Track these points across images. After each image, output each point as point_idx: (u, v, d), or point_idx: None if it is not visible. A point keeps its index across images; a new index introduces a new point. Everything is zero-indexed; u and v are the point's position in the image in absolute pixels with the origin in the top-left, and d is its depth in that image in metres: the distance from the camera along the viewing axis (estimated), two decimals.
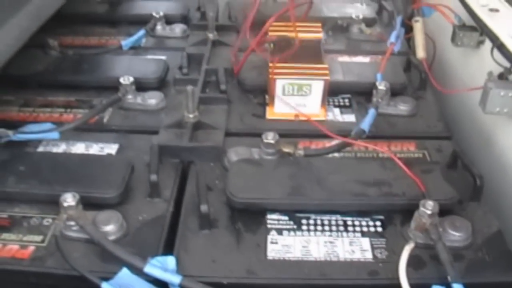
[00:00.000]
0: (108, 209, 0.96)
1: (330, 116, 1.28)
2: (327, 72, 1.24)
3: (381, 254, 0.92)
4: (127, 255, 0.86)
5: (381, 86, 1.27)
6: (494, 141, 1.24)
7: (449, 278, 0.83)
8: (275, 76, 1.23)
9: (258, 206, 0.99)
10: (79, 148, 1.16)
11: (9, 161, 1.06)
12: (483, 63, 1.27)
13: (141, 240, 0.94)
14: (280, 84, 1.23)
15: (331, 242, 0.94)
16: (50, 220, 0.97)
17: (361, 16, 1.65)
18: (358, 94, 1.35)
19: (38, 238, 0.94)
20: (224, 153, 1.12)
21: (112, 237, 0.92)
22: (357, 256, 0.92)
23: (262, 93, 1.31)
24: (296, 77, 1.23)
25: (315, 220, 0.98)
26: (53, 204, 0.93)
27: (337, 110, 1.30)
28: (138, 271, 0.84)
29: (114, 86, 1.29)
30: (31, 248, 0.92)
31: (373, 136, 1.19)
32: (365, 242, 0.94)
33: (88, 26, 1.70)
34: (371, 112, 1.22)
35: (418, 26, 1.49)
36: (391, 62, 1.40)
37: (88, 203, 0.94)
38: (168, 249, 0.93)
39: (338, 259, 0.91)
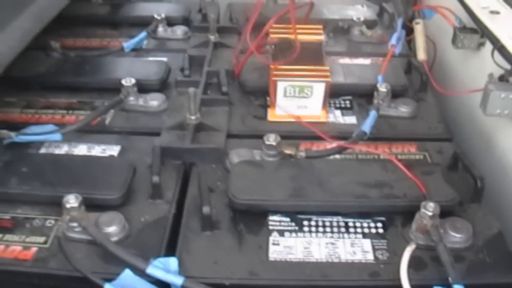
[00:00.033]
0: (110, 211, 0.96)
1: (331, 118, 1.29)
2: (328, 74, 1.25)
3: (382, 255, 0.92)
4: (129, 256, 0.86)
5: (382, 88, 1.27)
6: (494, 143, 1.25)
7: (450, 279, 0.84)
8: (277, 78, 1.24)
9: (259, 207, 0.99)
10: (81, 149, 1.16)
11: (11, 162, 1.07)
12: (483, 65, 1.27)
13: (143, 241, 0.94)
14: (281, 86, 1.24)
15: (332, 244, 0.94)
16: (53, 222, 0.97)
17: (362, 18, 1.65)
18: (359, 96, 1.35)
19: (41, 239, 0.94)
20: (226, 154, 1.12)
21: (114, 239, 0.92)
22: (359, 257, 0.92)
23: (264, 95, 1.31)
24: (297, 79, 1.24)
25: (316, 221, 0.98)
26: (56, 205, 0.94)
27: (338, 112, 1.31)
28: (140, 272, 0.85)
29: (115, 88, 1.29)
30: (34, 249, 0.92)
31: (374, 138, 1.20)
32: (367, 243, 0.95)
33: (90, 28, 1.70)
34: (372, 114, 1.23)
35: (419, 28, 1.49)
36: (392, 64, 1.40)
37: (90, 205, 0.94)
38: (170, 251, 0.93)
39: (340, 260, 0.91)
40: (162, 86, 1.37)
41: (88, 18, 1.75)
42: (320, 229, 0.97)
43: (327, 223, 0.98)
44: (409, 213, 0.95)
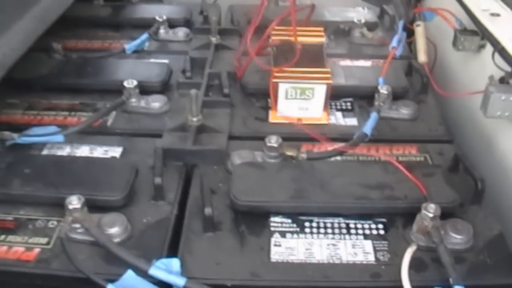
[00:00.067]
0: (112, 212, 0.96)
1: (332, 120, 1.29)
2: (329, 76, 1.25)
3: (384, 256, 0.93)
4: (132, 257, 0.87)
5: (383, 90, 1.28)
6: (495, 145, 1.25)
7: (450, 280, 0.84)
8: (278, 80, 1.24)
9: (261, 209, 1.00)
10: (83, 151, 1.17)
11: (14, 163, 1.07)
12: (484, 67, 1.28)
13: (145, 242, 0.94)
14: (283, 88, 1.24)
15: (334, 245, 0.95)
16: (55, 223, 0.98)
17: (363, 20, 1.66)
18: (360, 98, 1.35)
19: (43, 240, 0.94)
20: (228, 156, 1.13)
21: (117, 240, 0.93)
22: (360, 258, 0.92)
23: (265, 97, 1.32)
24: (299, 81, 1.24)
25: (318, 223, 0.99)
26: (58, 206, 0.94)
27: (339, 114, 1.31)
28: (143, 273, 0.85)
29: (117, 90, 1.29)
30: (37, 250, 0.92)
31: (375, 139, 1.20)
32: (368, 244, 0.95)
33: (92, 30, 1.71)
34: (373, 115, 1.23)
35: (419, 30, 1.50)
36: (392, 66, 1.41)
37: (93, 206, 0.95)
38: (172, 252, 0.94)
39: (341, 261, 0.92)
40: (164, 88, 1.37)
41: (90, 20, 1.76)
42: (322, 230, 0.97)
43: (329, 225, 0.99)
44: (410, 214, 0.95)
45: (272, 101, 1.27)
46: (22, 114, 1.29)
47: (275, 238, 0.96)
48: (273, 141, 1.10)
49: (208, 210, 0.95)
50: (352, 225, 0.98)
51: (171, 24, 1.68)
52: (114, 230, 0.93)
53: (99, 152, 1.17)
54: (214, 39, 1.57)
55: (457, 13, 1.40)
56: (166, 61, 1.50)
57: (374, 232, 0.98)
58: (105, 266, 0.89)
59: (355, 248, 0.94)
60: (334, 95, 1.30)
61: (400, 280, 0.86)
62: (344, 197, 1.01)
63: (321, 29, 1.40)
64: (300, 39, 1.33)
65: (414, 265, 0.89)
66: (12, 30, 1.14)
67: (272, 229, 0.98)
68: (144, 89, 1.32)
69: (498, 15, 1.28)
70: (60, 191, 0.99)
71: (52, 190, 1.01)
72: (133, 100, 1.29)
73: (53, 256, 0.91)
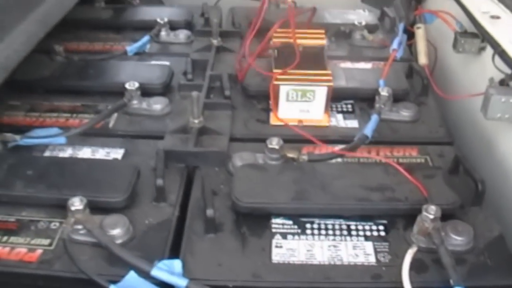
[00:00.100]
0: (115, 213, 0.97)
1: (333, 122, 1.29)
2: (330, 78, 1.26)
3: (384, 258, 0.93)
4: (134, 258, 0.87)
5: (384, 92, 1.28)
6: (495, 147, 1.25)
7: (451, 281, 0.84)
8: (279, 82, 1.25)
9: (263, 210, 1.00)
10: (85, 152, 1.17)
11: (16, 165, 1.08)
12: (484, 69, 1.28)
13: (147, 243, 0.95)
14: (284, 90, 1.25)
15: (335, 246, 0.95)
16: (57, 224, 0.98)
17: (363, 23, 1.66)
18: (361, 100, 1.36)
19: (46, 241, 0.95)
20: (229, 158, 1.13)
21: (119, 241, 0.93)
22: (361, 260, 0.93)
23: (266, 99, 1.32)
24: (300, 83, 1.25)
25: (319, 224, 0.99)
26: (60, 208, 0.95)
27: (340, 116, 1.32)
28: (145, 274, 0.86)
29: (119, 92, 1.30)
30: (39, 251, 0.93)
31: (376, 141, 1.20)
32: (369, 246, 0.95)
33: (93, 32, 1.71)
34: (374, 118, 1.23)
35: (420, 33, 1.50)
36: (393, 68, 1.41)
37: (95, 207, 0.95)
38: (174, 253, 0.94)
39: (342, 262, 0.92)
40: (165, 90, 1.38)
41: (92, 22, 1.76)
42: (323, 231, 0.98)
43: (330, 226, 0.99)
44: (410, 216, 0.96)
45: (273, 103, 1.28)
46: (24, 116, 1.29)
47: (277, 239, 0.96)
48: (274, 143, 1.11)
49: (210, 212, 0.96)
50: (353, 227, 0.99)
51: (173, 26, 1.69)
52: (116, 232, 0.94)
53: (101, 153, 1.17)
54: (215, 41, 1.57)
55: (457, 16, 1.41)
56: (167, 63, 1.50)
57: (375, 233, 0.98)
58: (107, 267, 0.90)
59: (356, 250, 0.95)
60: (335, 97, 1.30)
61: (400, 281, 0.86)
62: (345, 198, 1.01)
63: (322, 31, 1.40)
64: (301, 41, 1.34)
65: (415, 266, 0.90)
66: (14, 32, 1.14)
67: (274, 230, 0.98)
68: (146, 91, 1.32)
69: (498, 17, 1.29)
70: (62, 192, 0.99)
71: (54, 192, 1.01)
72: (135, 102, 1.30)
73: (55, 257, 0.92)
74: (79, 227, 0.93)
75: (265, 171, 1.07)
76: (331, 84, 1.25)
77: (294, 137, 1.20)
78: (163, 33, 1.66)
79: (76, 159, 1.15)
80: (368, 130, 1.19)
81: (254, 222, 0.99)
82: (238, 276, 0.90)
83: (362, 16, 1.77)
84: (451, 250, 0.90)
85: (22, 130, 1.19)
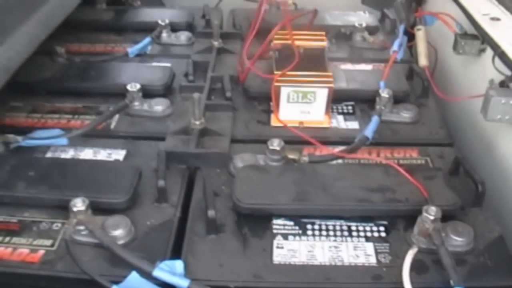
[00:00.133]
0: (116, 214, 0.97)
1: (334, 123, 1.30)
2: (331, 79, 1.26)
3: (385, 258, 0.93)
4: (136, 259, 0.88)
5: (384, 93, 1.29)
6: (495, 148, 1.26)
7: (451, 282, 0.85)
8: (280, 84, 1.25)
9: (264, 211, 1.01)
10: (87, 154, 1.18)
11: (18, 166, 1.08)
12: (484, 71, 1.29)
13: (149, 244, 0.95)
14: (285, 91, 1.25)
15: (335, 247, 0.96)
16: (59, 225, 0.98)
17: (364, 24, 1.67)
18: (361, 102, 1.36)
19: (48, 242, 0.95)
20: (230, 159, 1.14)
21: (120, 242, 0.93)
22: (361, 260, 0.93)
23: (267, 100, 1.33)
24: (300, 85, 1.25)
25: (320, 225, 0.99)
26: (62, 209, 0.95)
27: (340, 117, 1.32)
28: (147, 275, 0.86)
29: (120, 93, 1.30)
30: (41, 252, 0.93)
31: (376, 143, 1.21)
32: (369, 247, 0.96)
33: (94, 34, 1.72)
34: (374, 119, 1.24)
35: (420, 34, 1.51)
36: (393, 70, 1.42)
37: (96, 208, 0.96)
38: (175, 254, 0.94)
39: (343, 263, 0.93)
40: (167, 91, 1.38)
41: (93, 24, 1.77)
42: (324, 232, 0.98)
43: (330, 227, 0.99)
44: (411, 217, 0.96)
45: (274, 104, 1.28)
46: (26, 117, 1.30)
47: (278, 240, 0.97)
48: (275, 144, 1.11)
49: (211, 213, 0.96)
50: (353, 228, 0.99)
51: (174, 28, 1.69)
52: (118, 232, 0.94)
53: (102, 155, 1.17)
54: (216, 43, 1.58)
55: (457, 18, 1.41)
56: (168, 64, 1.51)
57: (376, 234, 0.98)
58: (110, 268, 0.90)
59: (356, 250, 0.95)
60: (336, 99, 1.31)
61: (401, 282, 0.87)
62: (345, 199, 1.02)
63: (323, 33, 1.40)
64: (302, 43, 1.34)
65: (415, 267, 0.90)
66: (16, 34, 1.15)
67: (275, 231, 0.98)
68: (147, 93, 1.32)
69: (498, 19, 1.29)
70: (65, 193, 1.00)
71: (56, 193, 1.01)
72: (136, 103, 1.30)
73: (57, 258, 0.92)
74: (81, 228, 0.94)
75: (266, 172, 1.08)
76: (332, 85, 1.26)
77: (295, 139, 1.20)
78: (164, 34, 1.67)
79: (78, 160, 1.15)
80: (369, 132, 1.19)
81: (255, 223, 1.00)
82: (239, 277, 0.90)
83: (363, 18, 1.77)
84: (452, 251, 0.90)
85: (24, 131, 1.19)
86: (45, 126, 1.25)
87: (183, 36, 1.67)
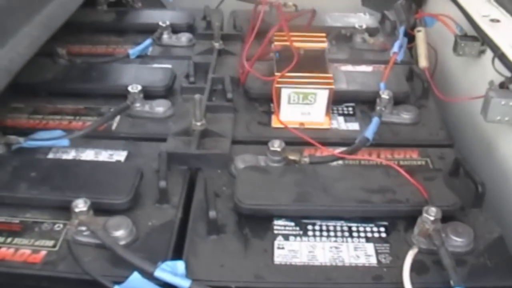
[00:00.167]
0: (118, 215, 0.97)
1: (334, 124, 1.30)
2: (331, 81, 1.26)
3: (385, 259, 0.94)
4: (137, 259, 0.88)
5: (384, 95, 1.29)
6: (495, 149, 1.26)
7: (451, 282, 0.85)
8: (281, 85, 1.26)
9: (265, 212, 1.01)
10: (88, 155, 1.18)
11: (20, 167, 1.08)
12: (484, 72, 1.29)
13: (150, 245, 0.95)
14: (285, 93, 1.26)
15: (336, 248, 0.96)
16: (61, 226, 0.99)
17: (364, 26, 1.67)
18: (361, 103, 1.37)
19: (50, 243, 0.95)
20: (231, 160, 1.14)
21: (122, 242, 0.94)
22: (362, 261, 0.93)
23: (268, 102, 1.33)
24: (301, 86, 1.25)
25: (320, 226, 1.00)
26: (64, 209, 0.96)
27: (341, 119, 1.32)
28: (148, 275, 0.86)
29: (122, 94, 1.31)
30: (43, 252, 0.94)
31: (377, 144, 1.21)
32: (370, 247, 0.96)
33: (96, 35, 1.72)
34: (375, 120, 1.24)
35: (420, 36, 1.51)
36: (394, 71, 1.42)
37: (98, 209, 0.96)
38: (177, 254, 0.95)
39: (343, 264, 0.93)
40: (168, 92, 1.38)
41: (94, 25, 1.77)
42: (324, 233, 0.99)
43: (331, 228, 1.00)
44: (411, 217, 0.97)
45: (275, 106, 1.28)
46: (28, 118, 1.30)
47: (279, 241, 0.97)
48: (276, 145, 1.11)
49: (212, 213, 0.96)
50: (354, 228, 1.00)
51: (174, 29, 1.69)
52: (119, 233, 0.94)
53: (104, 156, 1.18)
54: (217, 44, 1.58)
55: (457, 19, 1.41)
56: (169, 66, 1.51)
57: (376, 235, 0.99)
58: (111, 268, 0.90)
59: (357, 251, 0.95)
60: (336, 100, 1.31)
61: (401, 283, 0.87)
62: (346, 200, 1.02)
63: (323, 34, 1.41)
64: (302, 44, 1.35)
65: (416, 267, 0.90)
66: (18, 35, 1.15)
67: (276, 232, 0.99)
68: (148, 94, 1.33)
69: (498, 21, 1.30)
70: (66, 194, 1.00)
71: (58, 194, 1.02)
72: (138, 104, 1.30)
73: (59, 258, 0.92)
74: (83, 228, 0.94)
75: (267, 173, 1.08)
76: (332, 87, 1.26)
77: (296, 140, 1.21)
78: (165, 36, 1.67)
79: (80, 161, 1.16)
80: (369, 133, 1.20)
81: (256, 223, 1.00)
82: (240, 277, 0.90)
83: (363, 19, 1.77)
84: (452, 252, 0.90)
85: (25, 132, 1.20)
86: (47, 127, 1.26)
87: (184, 38, 1.68)
